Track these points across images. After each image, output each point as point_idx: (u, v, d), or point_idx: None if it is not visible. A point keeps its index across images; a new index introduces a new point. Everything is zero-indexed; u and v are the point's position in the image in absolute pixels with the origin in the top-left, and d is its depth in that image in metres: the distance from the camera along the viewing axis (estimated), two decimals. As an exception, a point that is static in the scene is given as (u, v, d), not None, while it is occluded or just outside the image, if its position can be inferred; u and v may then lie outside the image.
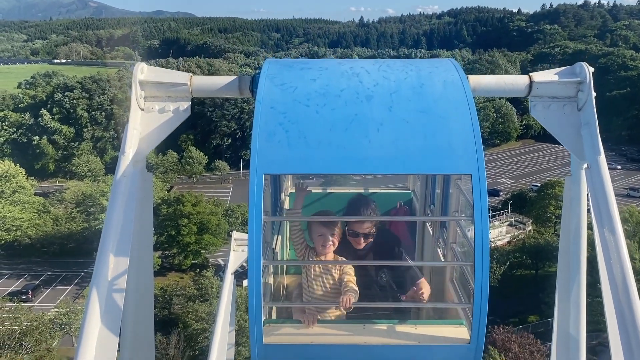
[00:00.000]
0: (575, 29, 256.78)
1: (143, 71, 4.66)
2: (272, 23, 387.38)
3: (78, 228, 76.35)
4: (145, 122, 4.64)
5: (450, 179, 5.45)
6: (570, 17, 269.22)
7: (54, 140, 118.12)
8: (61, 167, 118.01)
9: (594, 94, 4.67)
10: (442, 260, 5.66)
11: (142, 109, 4.66)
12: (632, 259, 49.09)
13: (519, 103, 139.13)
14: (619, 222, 4.21)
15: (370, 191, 7.19)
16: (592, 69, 4.74)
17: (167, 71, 4.79)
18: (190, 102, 4.81)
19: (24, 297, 61.60)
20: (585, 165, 4.61)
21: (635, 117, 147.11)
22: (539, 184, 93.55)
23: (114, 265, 3.97)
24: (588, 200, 4.55)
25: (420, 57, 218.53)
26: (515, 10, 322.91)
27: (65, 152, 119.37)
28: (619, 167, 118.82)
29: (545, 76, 4.88)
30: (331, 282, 4.79)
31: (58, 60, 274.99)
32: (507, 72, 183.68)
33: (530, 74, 4.93)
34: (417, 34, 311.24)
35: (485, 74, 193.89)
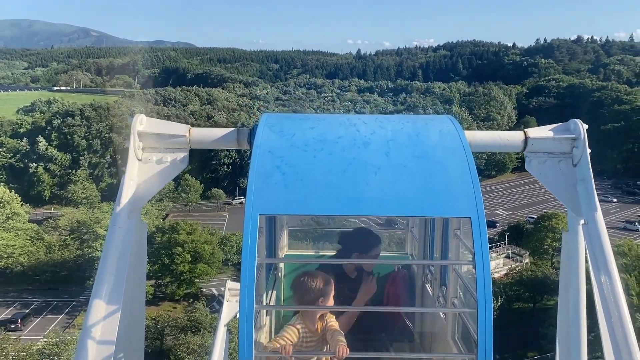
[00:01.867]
0: (569, 63, 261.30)
1: (142, 122, 4.67)
2: (271, 54, 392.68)
3: (71, 256, 75.71)
4: (143, 173, 4.61)
5: (449, 228, 5.42)
6: (564, 52, 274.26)
7: (50, 167, 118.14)
8: (57, 193, 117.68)
9: (589, 150, 4.70)
10: (444, 320, 5.54)
11: (140, 160, 4.65)
12: (629, 294, 49.01)
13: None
14: (617, 277, 4.19)
15: None
16: (586, 126, 4.78)
17: (166, 123, 4.81)
18: (188, 153, 4.80)
19: (12, 326, 60.54)
20: (582, 221, 4.60)
21: (630, 150, 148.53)
22: (535, 216, 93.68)
23: (105, 317, 3.91)
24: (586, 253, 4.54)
25: (417, 89, 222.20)
26: (510, 44, 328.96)
27: (61, 179, 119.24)
28: (615, 199, 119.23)
29: (540, 132, 4.91)
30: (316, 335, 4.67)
31: (58, 88, 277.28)
32: (502, 105, 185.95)
33: (525, 129, 4.95)
34: (414, 66, 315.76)
35: (481, 105, 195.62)
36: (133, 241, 4.35)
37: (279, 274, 6.47)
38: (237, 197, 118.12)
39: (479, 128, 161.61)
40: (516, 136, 4.95)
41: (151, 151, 4.70)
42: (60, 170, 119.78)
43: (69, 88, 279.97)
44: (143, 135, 4.65)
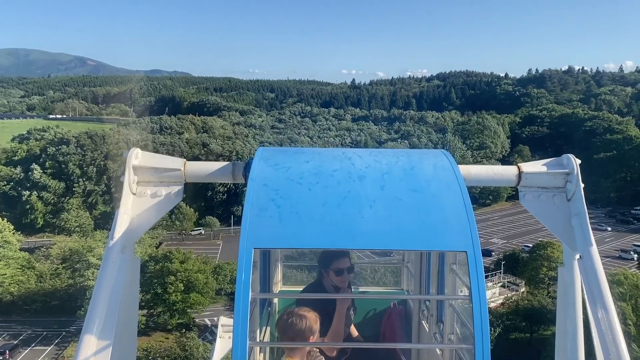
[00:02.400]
0: (561, 93, 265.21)
1: (137, 157, 4.66)
2: (266, 83, 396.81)
3: (62, 285, 74.64)
4: (137, 207, 4.59)
5: (445, 262, 5.39)
6: (556, 82, 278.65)
7: (43, 195, 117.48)
8: (50, 221, 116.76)
9: (583, 185, 4.72)
10: (440, 357, 5.46)
11: (134, 194, 4.63)
12: (626, 323, 48.64)
13: (509, 164, 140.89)
14: (614, 312, 4.16)
15: (362, 290, 7.09)
16: (579, 161, 4.82)
17: (161, 157, 4.80)
18: (183, 187, 4.79)
19: (0, 357, 59.22)
20: (577, 256, 4.59)
21: (623, 179, 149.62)
22: (530, 245, 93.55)
23: (96, 353, 3.84)
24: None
25: (410, 117, 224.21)
26: (502, 74, 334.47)
27: (54, 207, 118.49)
28: (609, 228, 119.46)
29: (534, 167, 4.94)
30: None
31: (54, 116, 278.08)
32: (495, 134, 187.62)
33: (519, 164, 4.98)
34: (407, 95, 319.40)
35: (474, 134, 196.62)
36: (126, 276, 4.29)
37: (274, 310, 6.38)
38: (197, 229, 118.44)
39: (472, 157, 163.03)
40: (510, 171, 4.98)
41: (146, 185, 4.68)
42: (53, 198, 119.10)
43: (64, 116, 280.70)
44: (138, 169, 4.64)
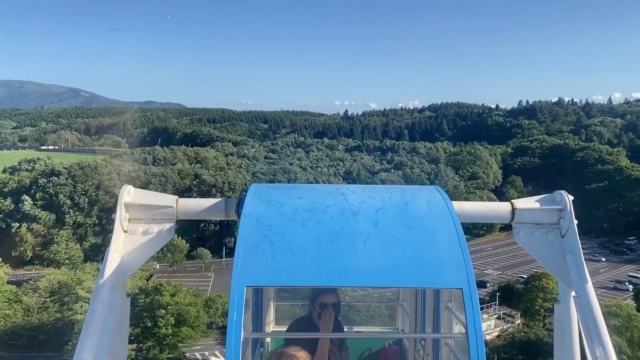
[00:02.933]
0: (552, 124, 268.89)
1: (129, 194, 4.63)
2: (260, 114, 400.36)
3: (50, 319, 73.01)
4: (128, 245, 4.53)
5: (440, 300, 5.33)
6: (546, 113, 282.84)
7: (33, 227, 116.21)
8: (39, 254, 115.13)
9: (576, 221, 4.73)
10: None
11: (126, 231, 4.58)
12: (621, 358, 48.11)
13: (501, 195, 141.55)
14: (611, 349, 4.13)
15: (356, 330, 6.99)
16: (571, 197, 4.84)
17: (153, 194, 4.77)
18: (175, 224, 4.75)
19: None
20: (573, 293, 4.57)
21: (615, 209, 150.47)
22: (525, 276, 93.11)
23: None
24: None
25: (403, 148, 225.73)
26: (493, 105, 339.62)
27: (44, 239, 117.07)
28: (603, 259, 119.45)
29: (527, 203, 4.96)
30: None
31: (46, 147, 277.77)
32: (488, 164, 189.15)
33: (512, 200, 5.00)
34: (400, 126, 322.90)
35: (467, 165, 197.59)
36: (115, 317, 4.21)
37: (266, 350, 6.25)
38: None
39: (465, 187, 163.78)
40: (503, 207, 4.99)
41: (137, 222, 4.64)
42: (43, 230, 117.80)
43: (56, 147, 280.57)
44: (130, 207, 4.60)
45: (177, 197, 4.80)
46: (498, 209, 5.02)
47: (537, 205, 4.91)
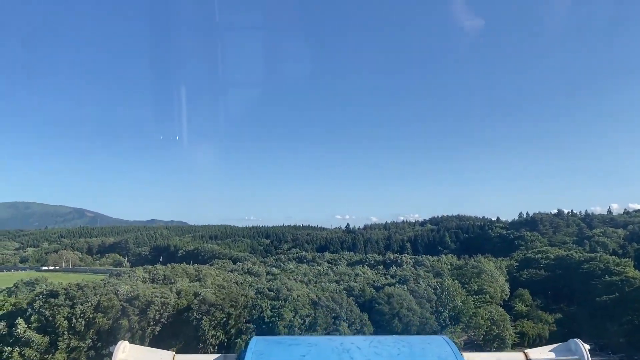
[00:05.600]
0: (554, 235, 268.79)
1: (125, 350, 4.42)
2: (262, 230, 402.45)
3: None
4: None
5: None
6: (548, 225, 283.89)
7: (25, 351, 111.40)
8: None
9: None
10: None
11: None
12: None
13: (510, 309, 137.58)
14: None
15: None
16: (587, 346, 4.61)
17: (150, 350, 4.55)
18: None
19: None
20: None
21: (630, 322, 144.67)
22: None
23: None
24: None
25: (406, 262, 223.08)
26: (494, 218, 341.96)
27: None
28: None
29: (541, 353, 4.72)
30: None
31: (46, 268, 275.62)
32: (493, 277, 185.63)
33: (526, 350, 4.78)
34: (402, 240, 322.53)
35: (472, 279, 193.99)
36: None
37: None
38: None
39: (474, 302, 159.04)
40: (516, 357, 4.75)
41: None
42: (36, 355, 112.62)
43: (57, 267, 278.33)
44: None
45: (174, 353, 4.59)
46: (511, 359, 4.78)
47: (552, 355, 4.65)
